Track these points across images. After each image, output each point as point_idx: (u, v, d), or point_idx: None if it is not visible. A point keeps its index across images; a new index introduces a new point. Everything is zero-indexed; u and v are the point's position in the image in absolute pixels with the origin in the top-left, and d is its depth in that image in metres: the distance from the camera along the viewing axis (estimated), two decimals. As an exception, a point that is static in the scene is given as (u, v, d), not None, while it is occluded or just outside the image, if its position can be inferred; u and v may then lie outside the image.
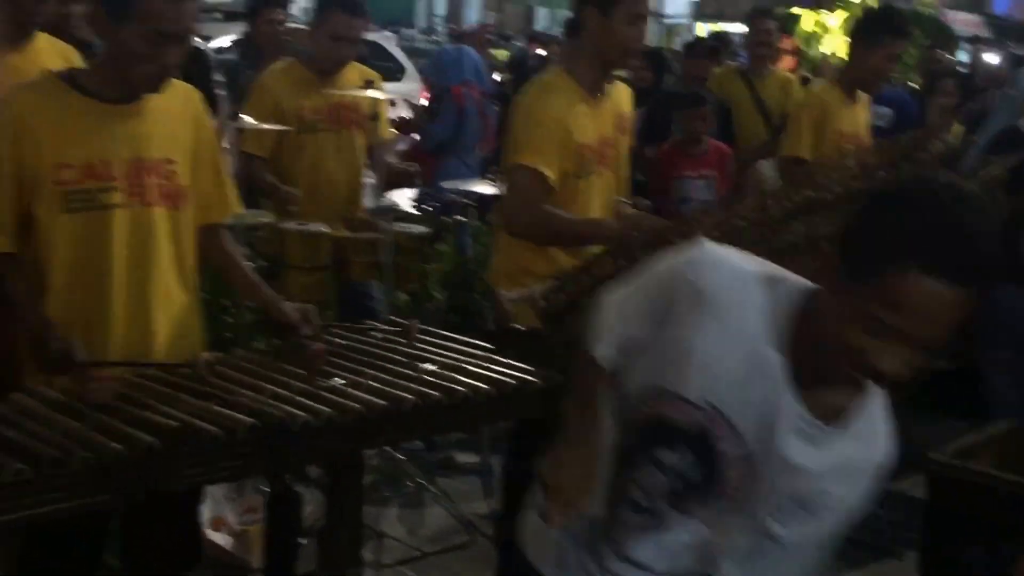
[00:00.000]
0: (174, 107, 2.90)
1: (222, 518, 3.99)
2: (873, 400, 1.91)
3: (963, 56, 10.53)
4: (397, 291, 4.79)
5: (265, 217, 4.51)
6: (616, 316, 2.05)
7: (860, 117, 5.37)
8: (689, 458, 1.95)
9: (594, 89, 3.71)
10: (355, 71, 4.81)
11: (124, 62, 2.72)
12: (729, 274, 1.91)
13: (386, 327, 3.24)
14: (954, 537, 3.04)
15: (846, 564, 4.20)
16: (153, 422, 2.38)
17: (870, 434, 1.93)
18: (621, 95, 3.93)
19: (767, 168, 5.82)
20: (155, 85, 2.79)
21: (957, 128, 6.03)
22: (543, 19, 27.84)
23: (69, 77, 2.84)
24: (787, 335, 1.86)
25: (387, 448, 4.59)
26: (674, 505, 1.99)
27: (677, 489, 1.98)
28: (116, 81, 2.78)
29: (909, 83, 9.14)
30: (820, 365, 1.84)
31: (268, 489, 3.86)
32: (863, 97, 5.32)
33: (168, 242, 2.88)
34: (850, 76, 5.29)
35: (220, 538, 3.92)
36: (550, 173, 3.57)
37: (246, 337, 4.50)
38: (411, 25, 26.28)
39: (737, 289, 1.89)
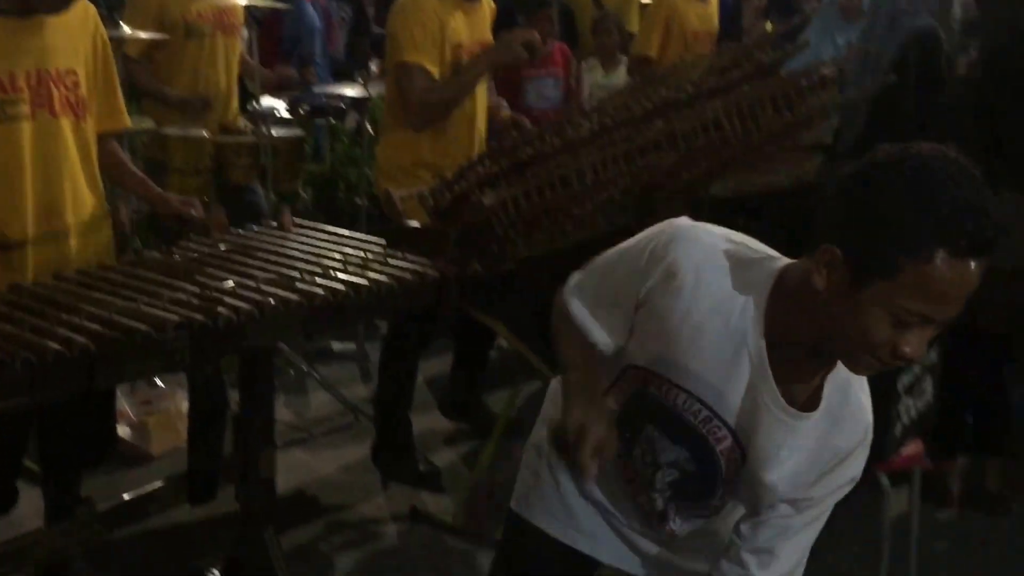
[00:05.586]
0: (74, 21, 2.99)
1: (122, 411, 4.17)
2: (841, 376, 1.86)
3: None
4: (271, 192, 4.94)
5: (147, 123, 4.60)
6: (596, 302, 1.98)
7: (710, 13, 5.67)
8: (681, 443, 1.95)
9: None
10: None
11: None
12: (703, 252, 1.85)
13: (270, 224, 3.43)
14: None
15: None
16: (86, 324, 2.50)
17: (849, 412, 1.89)
18: (488, 9, 4.20)
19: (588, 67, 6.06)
20: (56, 7, 2.88)
21: (769, 27, 6.31)
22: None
23: None
24: (765, 320, 1.81)
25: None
26: (676, 495, 2.02)
27: (677, 477, 1.99)
28: None
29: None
30: (796, 353, 1.81)
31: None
32: None
33: (75, 150, 3.00)
34: None
35: (120, 429, 4.10)
36: (432, 69, 3.85)
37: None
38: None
39: (712, 269, 1.83)
